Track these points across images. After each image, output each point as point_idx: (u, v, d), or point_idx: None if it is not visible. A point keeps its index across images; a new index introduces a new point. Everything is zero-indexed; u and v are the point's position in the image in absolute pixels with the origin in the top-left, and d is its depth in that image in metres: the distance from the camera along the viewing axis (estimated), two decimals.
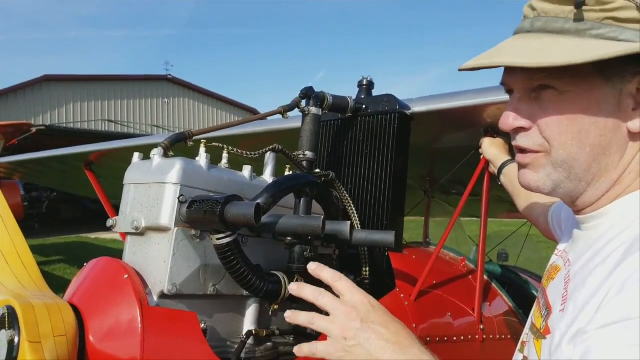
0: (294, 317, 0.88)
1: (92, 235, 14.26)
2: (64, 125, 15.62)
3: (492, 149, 1.78)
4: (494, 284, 2.07)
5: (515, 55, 0.76)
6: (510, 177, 1.63)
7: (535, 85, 0.77)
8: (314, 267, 0.89)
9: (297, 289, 0.89)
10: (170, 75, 19.12)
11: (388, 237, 1.33)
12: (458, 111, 1.80)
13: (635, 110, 0.75)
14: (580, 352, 0.66)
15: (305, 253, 1.27)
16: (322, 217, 1.16)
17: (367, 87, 1.90)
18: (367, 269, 1.55)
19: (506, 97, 1.71)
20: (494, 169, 1.77)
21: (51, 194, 11.72)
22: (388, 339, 0.79)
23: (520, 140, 0.82)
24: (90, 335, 1.08)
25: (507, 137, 1.81)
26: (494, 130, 1.86)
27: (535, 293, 2.55)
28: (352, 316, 0.81)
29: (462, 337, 1.68)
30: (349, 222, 1.23)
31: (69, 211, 16.45)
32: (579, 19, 0.72)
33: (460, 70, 0.83)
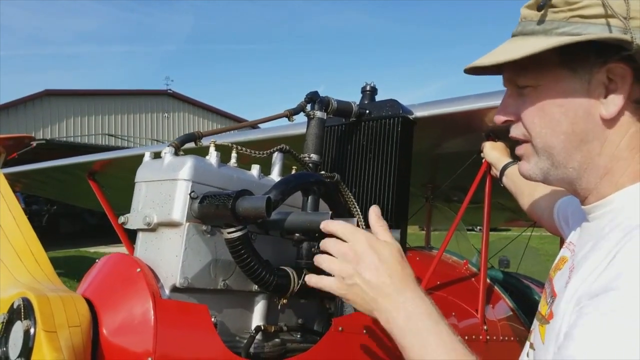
0: (318, 259, 0.95)
1: (92, 249, 14.23)
2: (64, 139, 15.70)
3: (493, 152, 1.82)
4: (496, 287, 2.09)
5: (493, 56, 0.85)
6: (512, 178, 1.67)
7: (521, 85, 0.86)
8: (323, 224, 0.98)
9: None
10: (170, 89, 19.28)
11: (393, 235, 1.36)
12: (460, 116, 1.84)
13: (607, 98, 0.80)
14: (570, 323, 0.71)
15: (313, 249, 1.29)
16: (330, 212, 1.19)
17: (370, 92, 1.95)
18: None
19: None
20: (496, 172, 1.81)
21: (51, 207, 11.73)
22: (383, 280, 0.86)
23: (512, 131, 0.91)
24: (103, 328, 1.10)
25: (508, 141, 1.88)
26: (495, 135, 1.90)
27: (537, 298, 2.57)
28: (350, 256, 0.89)
29: (466, 337, 1.69)
30: (355, 219, 1.25)
31: (68, 225, 16.44)
32: (544, 20, 0.80)
33: (464, 71, 0.90)
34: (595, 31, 0.76)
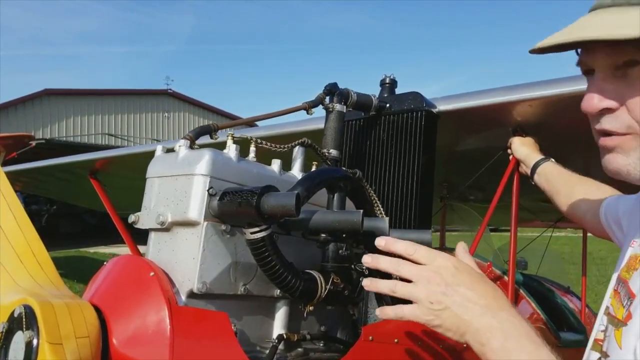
0: (373, 284, 0.85)
1: (91, 250, 14.13)
2: (64, 139, 15.59)
3: (523, 148, 1.72)
4: (522, 291, 1.99)
5: (597, 30, 0.71)
6: (546, 176, 1.57)
7: (621, 62, 0.73)
8: (383, 243, 0.85)
9: (372, 260, 0.84)
10: (170, 89, 19.17)
11: (424, 236, 1.26)
12: (487, 109, 1.74)
13: None
14: None
15: (340, 251, 1.19)
16: (361, 211, 1.09)
17: (390, 85, 1.85)
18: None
19: (538, 93, 1.66)
20: (525, 169, 1.71)
21: (51, 207, 11.63)
22: (475, 301, 0.77)
23: (606, 123, 0.77)
24: (113, 338, 0.99)
25: (537, 136, 1.77)
26: (523, 130, 1.80)
27: (559, 302, 2.47)
28: (436, 280, 0.79)
29: None
30: (387, 219, 1.15)
31: (67, 225, 16.35)
32: None
33: (533, 51, 0.79)
34: None
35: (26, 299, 0.97)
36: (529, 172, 1.68)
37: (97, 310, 1.01)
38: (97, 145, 15.40)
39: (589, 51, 0.77)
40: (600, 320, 0.91)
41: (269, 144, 1.26)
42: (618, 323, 0.82)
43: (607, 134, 0.77)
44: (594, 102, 0.77)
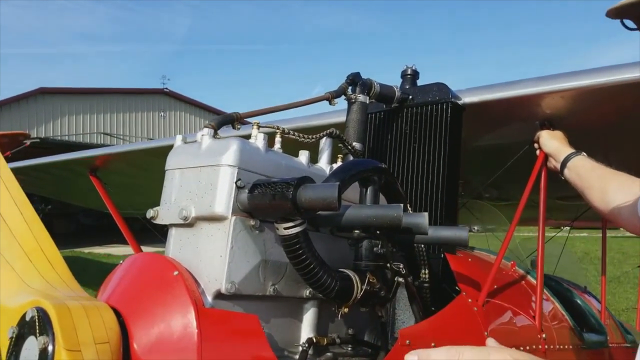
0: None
1: (86, 250, 13.96)
2: (59, 137, 15.41)
3: (553, 142, 1.64)
4: (546, 291, 1.91)
5: None
6: (577, 170, 1.50)
7: None
8: (416, 358, 0.71)
9: None
10: (167, 88, 19.01)
11: (461, 234, 1.18)
12: (514, 101, 1.66)
13: None
14: None
15: (375, 248, 1.11)
16: (402, 205, 1.01)
17: (411, 76, 1.77)
18: (427, 271, 1.39)
19: (572, 84, 1.57)
20: (555, 164, 1.63)
21: (45, 207, 11.45)
22: None
23: None
24: (135, 343, 0.90)
25: (566, 129, 1.70)
26: (551, 123, 1.72)
27: (579, 302, 2.39)
28: None
29: (527, 347, 1.52)
30: (426, 214, 1.07)
31: (62, 225, 16.15)
32: None
33: (609, 12, 0.70)
34: None
35: (39, 300, 0.88)
36: (558, 166, 1.60)
37: (116, 313, 0.93)
38: (92, 144, 15.24)
39: None
40: None
41: (296, 134, 1.18)
42: None
43: None
44: None
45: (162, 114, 18.69)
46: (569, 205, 2.64)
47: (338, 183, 0.90)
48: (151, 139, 17.79)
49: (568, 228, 2.72)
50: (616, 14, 0.71)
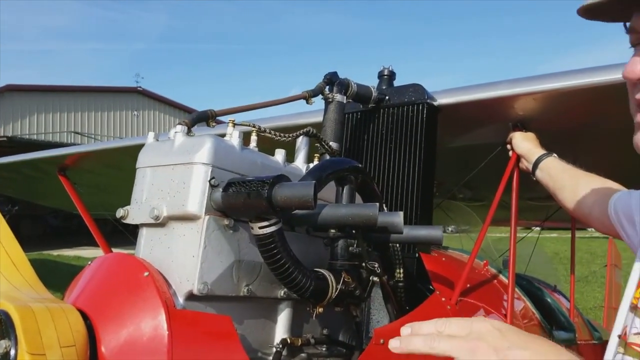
0: (405, 344, 0.68)
1: (55, 252, 13.60)
2: (27, 136, 14.98)
3: (525, 143, 1.67)
4: (517, 290, 1.94)
5: None
6: (549, 171, 1.53)
7: None
8: (398, 344, 0.69)
9: (402, 345, 0.68)
10: (140, 87, 18.68)
11: (435, 233, 1.18)
12: (488, 103, 1.68)
13: None
14: None
15: (350, 248, 1.10)
16: (377, 204, 1.00)
17: (388, 77, 1.78)
18: (401, 270, 1.40)
19: (544, 86, 1.60)
20: (526, 165, 1.66)
21: (12, 208, 11.10)
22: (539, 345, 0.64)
23: None
24: (103, 346, 0.88)
25: (537, 131, 1.73)
26: (523, 125, 1.75)
27: (549, 300, 2.44)
28: (482, 349, 0.64)
29: None
30: (401, 213, 1.07)
31: (29, 227, 15.69)
32: None
33: (579, 12, 0.71)
34: None
35: (1, 303, 0.84)
36: (530, 167, 1.63)
37: (83, 315, 0.89)
38: (62, 143, 14.85)
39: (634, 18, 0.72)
40: (630, 322, 0.84)
41: (272, 132, 1.16)
42: None
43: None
44: (632, 67, 0.73)
45: (135, 113, 18.36)
46: (540, 206, 2.69)
47: (314, 181, 0.89)
48: (124, 139, 17.49)
49: (539, 228, 2.78)
50: (585, 12, 0.72)
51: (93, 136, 16.81)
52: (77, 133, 16.45)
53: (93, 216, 3.19)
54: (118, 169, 3.10)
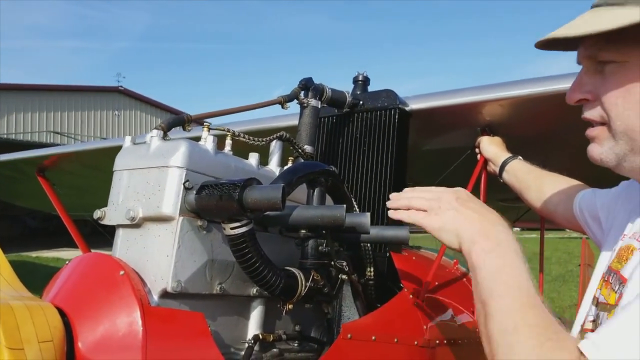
0: (394, 214, 0.95)
1: (33, 254, 13.41)
2: (5, 136, 14.73)
3: (492, 147, 1.75)
4: None
5: (575, 28, 0.76)
6: (515, 173, 1.60)
7: (603, 60, 0.79)
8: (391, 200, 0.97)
9: (393, 200, 0.97)
10: (121, 86, 18.50)
11: (402, 233, 1.24)
12: (457, 108, 1.75)
13: None
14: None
15: (320, 247, 1.16)
16: (344, 206, 1.06)
17: (362, 82, 1.84)
18: (372, 269, 1.46)
19: (509, 93, 1.68)
20: (494, 168, 1.73)
21: None
22: (479, 212, 0.85)
23: (586, 112, 0.84)
24: (79, 342, 0.91)
25: (504, 135, 1.81)
26: (491, 130, 1.83)
27: None
28: (447, 196, 0.88)
29: (466, 340, 1.60)
30: (368, 214, 1.13)
31: (6, 228, 15.44)
32: None
33: (536, 45, 0.82)
34: None
35: None
36: (497, 170, 1.71)
37: (61, 312, 0.93)
38: (41, 143, 14.65)
39: (579, 47, 0.82)
40: (588, 311, 0.92)
41: (246, 136, 1.21)
42: (610, 307, 0.84)
43: (590, 124, 0.84)
44: (573, 92, 0.84)
45: (117, 112, 18.18)
46: (511, 207, 2.78)
47: (282, 185, 0.94)
48: (105, 139, 17.29)
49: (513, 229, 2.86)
50: (545, 44, 0.81)
51: (73, 136, 16.60)
52: (57, 133, 16.22)
53: (72, 217, 3.19)
54: (97, 170, 3.11)
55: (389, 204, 0.97)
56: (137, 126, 18.64)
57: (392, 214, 0.97)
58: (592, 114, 0.82)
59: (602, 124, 0.81)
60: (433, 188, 0.93)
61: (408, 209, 0.92)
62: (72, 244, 2.99)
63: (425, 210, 0.89)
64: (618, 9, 0.73)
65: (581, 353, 0.63)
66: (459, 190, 0.90)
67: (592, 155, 0.84)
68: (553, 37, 0.77)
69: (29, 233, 16.83)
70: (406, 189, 0.97)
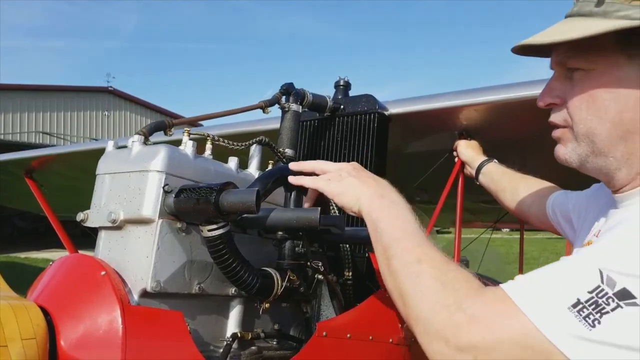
0: (296, 180, 1.12)
1: (22, 255, 13.33)
2: None
3: (468, 151, 1.80)
4: None
5: (547, 35, 0.81)
6: (491, 175, 1.66)
7: (572, 68, 0.83)
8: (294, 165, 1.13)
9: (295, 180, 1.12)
10: (111, 87, 18.42)
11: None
12: (435, 113, 1.81)
13: None
14: None
15: (297, 248, 1.20)
16: (319, 208, 1.10)
17: (344, 87, 1.88)
18: (351, 269, 1.50)
19: (484, 98, 1.75)
20: (470, 170, 1.79)
21: None
22: (374, 179, 1.02)
23: (551, 116, 0.89)
24: (62, 340, 0.95)
25: (481, 139, 1.87)
26: (468, 133, 1.88)
27: None
28: (347, 167, 1.05)
29: None
30: (343, 216, 1.17)
31: None
32: (604, 1, 0.77)
33: (512, 50, 0.87)
34: None
35: None
36: (473, 173, 1.76)
37: (44, 311, 0.97)
38: (30, 144, 14.56)
39: (553, 54, 0.87)
40: None
41: (226, 141, 1.25)
42: None
43: (554, 126, 0.89)
44: (544, 97, 0.89)
45: (106, 113, 18.10)
46: (493, 208, 2.84)
47: (257, 188, 0.99)
48: (94, 139, 17.21)
49: (493, 229, 2.93)
50: (520, 49, 0.85)
51: (62, 137, 16.51)
52: (46, 133, 16.13)
53: (61, 218, 3.21)
54: (85, 171, 3.12)
55: (291, 166, 1.12)
56: (127, 127, 18.58)
57: (293, 179, 1.10)
58: (556, 117, 0.87)
59: (565, 126, 0.86)
60: (332, 162, 1.10)
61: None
62: (62, 245, 3.01)
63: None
64: (587, 20, 0.78)
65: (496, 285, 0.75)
66: (355, 163, 1.07)
67: (557, 155, 0.89)
68: (527, 43, 0.82)
69: (18, 234, 16.71)
70: (308, 161, 1.12)
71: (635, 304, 0.63)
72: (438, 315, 0.75)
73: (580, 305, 0.65)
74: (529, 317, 0.67)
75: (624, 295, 0.64)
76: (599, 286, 0.65)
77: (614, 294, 0.64)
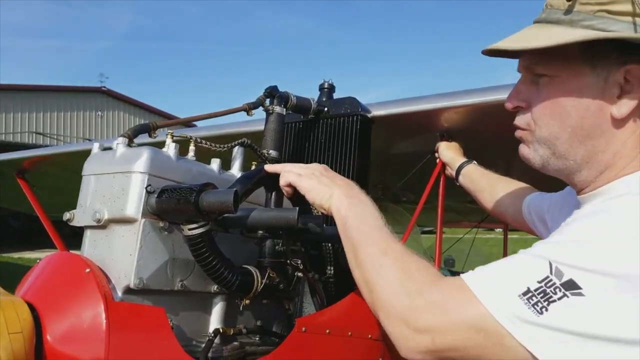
0: (271, 168, 1.19)
1: (16, 255, 13.30)
2: None
3: (449, 152, 1.85)
4: None
5: (517, 41, 0.84)
6: (470, 176, 1.70)
7: (538, 73, 0.86)
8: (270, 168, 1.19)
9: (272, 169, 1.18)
10: (104, 87, 18.39)
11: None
12: (416, 115, 1.86)
13: (621, 99, 0.82)
14: None
15: (277, 247, 1.24)
16: (297, 208, 1.15)
17: (328, 90, 1.92)
18: (332, 267, 1.55)
19: (463, 101, 1.80)
20: (451, 171, 1.83)
21: None
22: (344, 180, 1.06)
23: (516, 118, 0.92)
24: (47, 335, 0.99)
25: (461, 141, 1.92)
26: (449, 135, 1.93)
27: None
28: (318, 165, 1.11)
29: None
30: (322, 216, 1.22)
31: None
32: (572, 10, 0.80)
33: (482, 52, 0.90)
34: (620, 29, 0.77)
35: None
36: (454, 174, 1.81)
37: (31, 306, 1.01)
38: (23, 144, 14.51)
39: (521, 58, 0.90)
40: None
41: (208, 143, 1.29)
42: None
43: (517, 127, 0.93)
44: (511, 100, 0.93)
45: (100, 113, 18.06)
46: (478, 208, 2.90)
47: (235, 189, 1.03)
48: (88, 140, 17.16)
49: (476, 229, 2.98)
50: (489, 52, 0.89)
51: (56, 137, 16.47)
52: (39, 133, 16.08)
53: (52, 218, 3.23)
54: (76, 172, 3.14)
55: (266, 168, 1.19)
56: (121, 127, 18.55)
57: (269, 167, 1.18)
58: (520, 120, 0.91)
59: (526, 129, 0.90)
60: (304, 164, 1.15)
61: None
62: (55, 246, 3.04)
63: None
64: (553, 27, 0.81)
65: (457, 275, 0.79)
66: (325, 165, 1.13)
67: (522, 154, 0.93)
68: (495, 48, 0.85)
69: (11, 234, 16.64)
70: (281, 164, 1.19)
71: (580, 294, 0.68)
72: (400, 301, 0.81)
73: (530, 294, 0.70)
74: (483, 303, 0.73)
75: (571, 285, 0.69)
76: (547, 277, 0.70)
77: (561, 284, 0.69)
